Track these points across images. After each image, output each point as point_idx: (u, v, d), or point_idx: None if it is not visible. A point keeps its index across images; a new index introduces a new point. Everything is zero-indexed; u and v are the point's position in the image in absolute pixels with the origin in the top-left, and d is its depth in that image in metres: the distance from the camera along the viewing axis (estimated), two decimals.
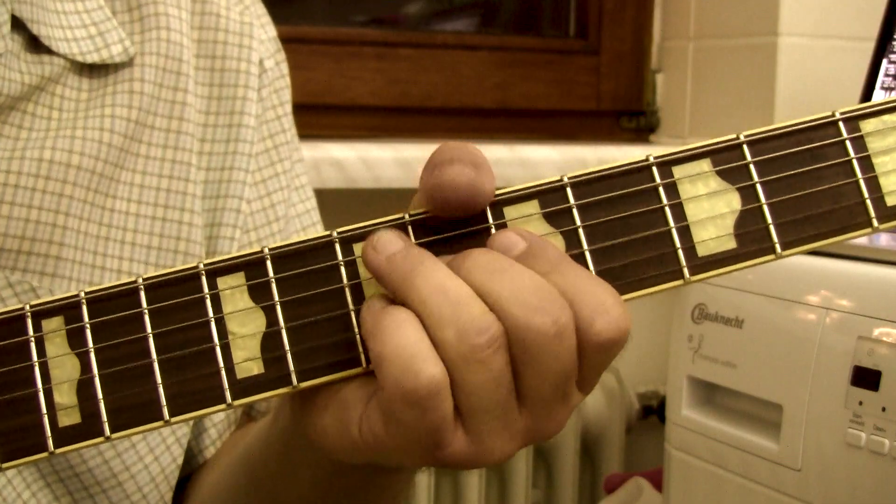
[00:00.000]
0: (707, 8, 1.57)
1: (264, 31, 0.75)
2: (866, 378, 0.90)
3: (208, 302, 0.47)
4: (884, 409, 0.89)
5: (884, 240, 1.01)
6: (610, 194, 0.47)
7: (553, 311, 0.44)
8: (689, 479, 1.11)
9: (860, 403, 0.91)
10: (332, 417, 0.48)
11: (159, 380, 0.46)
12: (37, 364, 0.47)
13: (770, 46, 1.47)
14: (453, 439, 0.45)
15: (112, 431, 0.46)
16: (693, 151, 0.47)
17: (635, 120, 1.65)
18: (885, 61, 1.16)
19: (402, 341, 0.44)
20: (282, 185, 0.75)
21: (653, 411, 1.64)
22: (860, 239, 1.02)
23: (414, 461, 0.47)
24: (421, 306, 0.44)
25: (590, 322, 0.44)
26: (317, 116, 1.45)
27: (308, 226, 0.78)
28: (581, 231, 0.47)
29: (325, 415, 0.48)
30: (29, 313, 0.47)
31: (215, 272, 0.47)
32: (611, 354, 0.45)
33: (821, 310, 0.96)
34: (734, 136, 0.47)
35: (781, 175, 0.47)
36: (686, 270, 0.47)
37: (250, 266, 0.47)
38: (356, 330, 0.47)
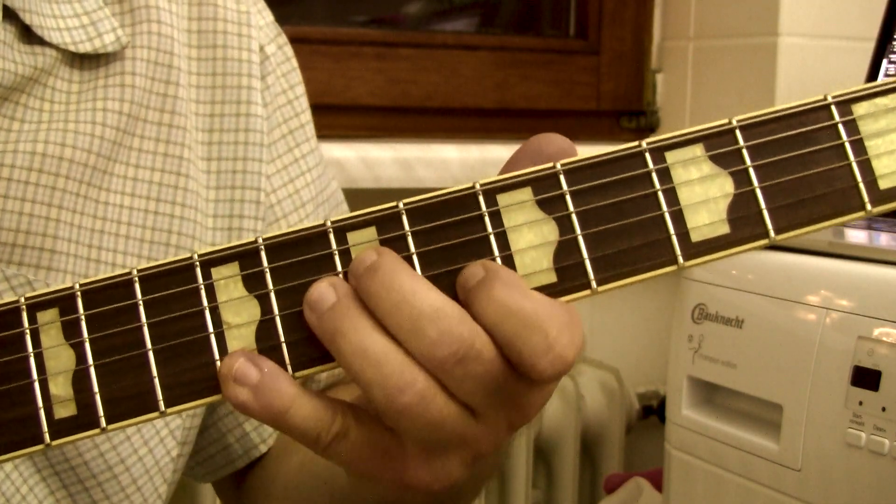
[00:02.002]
0: (707, 8, 1.57)
1: (261, 17, 0.75)
2: (866, 378, 0.90)
3: (202, 292, 0.47)
4: (884, 409, 0.89)
5: (884, 240, 1.01)
6: (603, 180, 0.47)
7: (451, 341, 0.44)
8: (689, 479, 1.10)
9: (860, 403, 0.91)
10: None
11: (154, 370, 0.46)
12: (32, 355, 0.47)
13: (770, 46, 1.47)
14: (408, 468, 0.47)
15: (108, 422, 0.46)
16: (685, 137, 0.47)
17: (635, 120, 1.66)
18: (885, 61, 1.17)
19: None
20: (303, 170, 0.75)
21: (653, 411, 1.64)
22: (860, 239, 1.03)
23: (391, 491, 0.49)
24: (347, 368, 0.45)
25: (532, 363, 0.44)
26: (317, 116, 1.44)
27: (340, 202, 0.79)
28: (574, 217, 0.47)
29: None
30: (24, 305, 0.47)
31: (209, 262, 0.47)
32: (556, 383, 0.46)
33: (821, 310, 0.95)
34: (726, 120, 0.47)
35: (774, 159, 0.47)
36: (680, 256, 0.47)
37: (244, 256, 0.47)
38: None
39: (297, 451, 0.71)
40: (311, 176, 0.75)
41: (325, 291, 0.46)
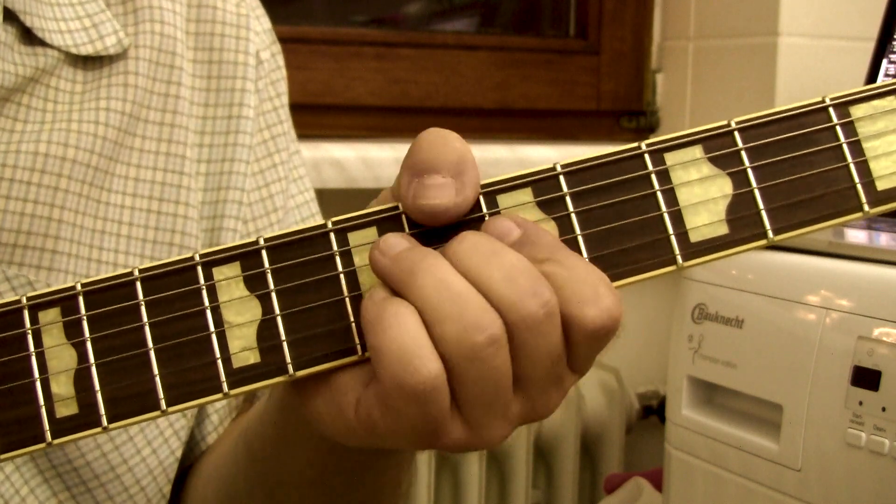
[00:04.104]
0: (707, 8, 1.57)
1: (259, 24, 0.76)
2: (866, 378, 0.90)
3: (204, 292, 0.47)
4: (884, 409, 0.89)
5: (884, 240, 1.01)
6: (603, 182, 0.47)
7: (543, 294, 0.44)
8: (689, 479, 1.10)
9: (860, 403, 0.91)
10: (325, 402, 0.48)
11: (156, 370, 0.46)
12: (34, 355, 0.47)
13: (770, 46, 1.47)
14: (451, 429, 0.46)
15: (109, 422, 0.46)
16: (685, 138, 0.48)
17: (635, 120, 1.66)
18: (885, 61, 1.17)
19: (401, 335, 0.44)
20: (279, 177, 0.75)
21: (653, 411, 1.64)
22: (860, 239, 1.03)
23: (411, 447, 0.47)
24: (423, 301, 0.44)
25: (581, 310, 0.45)
26: (317, 116, 1.45)
27: (307, 217, 0.78)
28: (574, 218, 0.47)
29: (318, 400, 0.48)
30: (26, 305, 0.47)
31: (211, 263, 0.47)
32: (603, 342, 0.46)
33: (821, 310, 0.95)
34: (725, 122, 0.48)
35: (772, 160, 0.47)
36: (679, 256, 0.47)
37: (246, 256, 0.47)
38: (352, 318, 0.47)
39: (222, 443, 0.71)
40: (284, 184, 0.76)
41: (397, 239, 0.46)
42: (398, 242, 0.46)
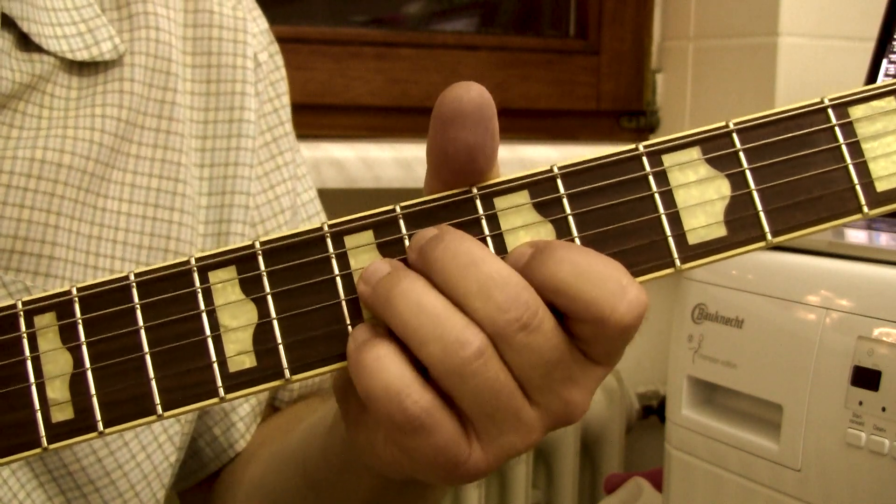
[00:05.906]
0: (707, 8, 1.57)
1: (256, 25, 0.76)
2: (866, 378, 0.90)
3: (200, 295, 0.47)
4: (884, 409, 0.89)
5: (884, 240, 1.01)
6: (600, 183, 0.47)
7: (518, 306, 0.44)
8: (689, 479, 1.10)
9: (860, 403, 0.90)
10: (364, 436, 0.49)
11: (151, 374, 0.46)
12: (29, 359, 0.47)
13: (770, 46, 1.47)
14: (470, 453, 0.46)
15: (105, 426, 0.46)
16: (682, 140, 0.47)
17: (635, 120, 1.65)
18: (885, 61, 1.16)
19: (384, 378, 0.44)
20: (284, 177, 0.75)
21: (653, 411, 1.64)
22: (860, 239, 1.02)
23: (440, 481, 0.47)
24: (403, 326, 0.45)
25: (611, 307, 0.44)
26: (317, 116, 1.45)
27: (312, 215, 0.79)
28: (571, 220, 0.47)
29: (359, 433, 0.49)
30: (21, 310, 0.47)
31: (206, 266, 0.47)
32: (632, 332, 0.45)
33: (821, 310, 0.95)
34: (723, 123, 0.47)
35: (771, 162, 0.47)
36: (677, 259, 0.47)
37: (241, 260, 0.47)
38: (348, 321, 0.47)
39: (270, 445, 0.71)
40: (290, 185, 0.76)
41: (380, 264, 0.46)
42: (380, 268, 0.46)
